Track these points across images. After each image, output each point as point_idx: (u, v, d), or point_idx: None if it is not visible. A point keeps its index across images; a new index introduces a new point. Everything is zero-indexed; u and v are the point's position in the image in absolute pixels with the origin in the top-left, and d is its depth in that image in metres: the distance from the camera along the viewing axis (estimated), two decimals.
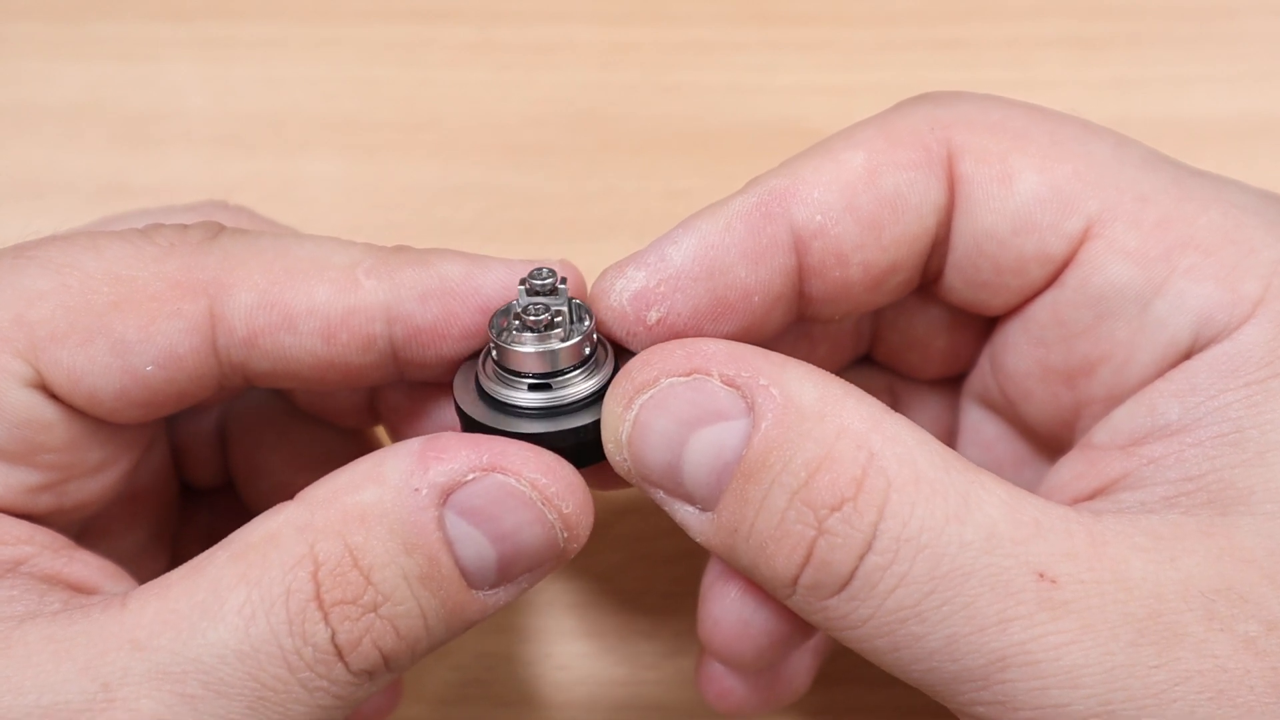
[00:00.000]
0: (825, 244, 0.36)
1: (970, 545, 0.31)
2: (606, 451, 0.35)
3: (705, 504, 0.34)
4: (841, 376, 0.44)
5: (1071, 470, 0.37)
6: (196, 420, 0.45)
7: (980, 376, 0.42)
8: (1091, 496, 0.36)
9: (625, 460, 0.34)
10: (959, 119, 0.37)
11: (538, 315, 0.35)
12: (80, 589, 0.35)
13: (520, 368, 0.35)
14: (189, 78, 0.61)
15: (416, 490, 0.33)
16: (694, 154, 0.59)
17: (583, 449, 0.35)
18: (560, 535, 0.34)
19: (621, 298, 0.35)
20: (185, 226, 0.38)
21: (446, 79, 0.61)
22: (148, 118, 0.60)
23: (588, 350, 0.36)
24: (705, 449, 0.33)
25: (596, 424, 0.35)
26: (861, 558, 0.32)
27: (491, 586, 0.34)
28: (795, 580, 0.33)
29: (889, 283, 0.37)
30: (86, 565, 0.36)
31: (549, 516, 0.34)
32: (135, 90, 0.61)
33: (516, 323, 0.36)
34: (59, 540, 0.36)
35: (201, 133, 0.60)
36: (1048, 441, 0.41)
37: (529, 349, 0.35)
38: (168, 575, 0.33)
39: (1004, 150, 0.37)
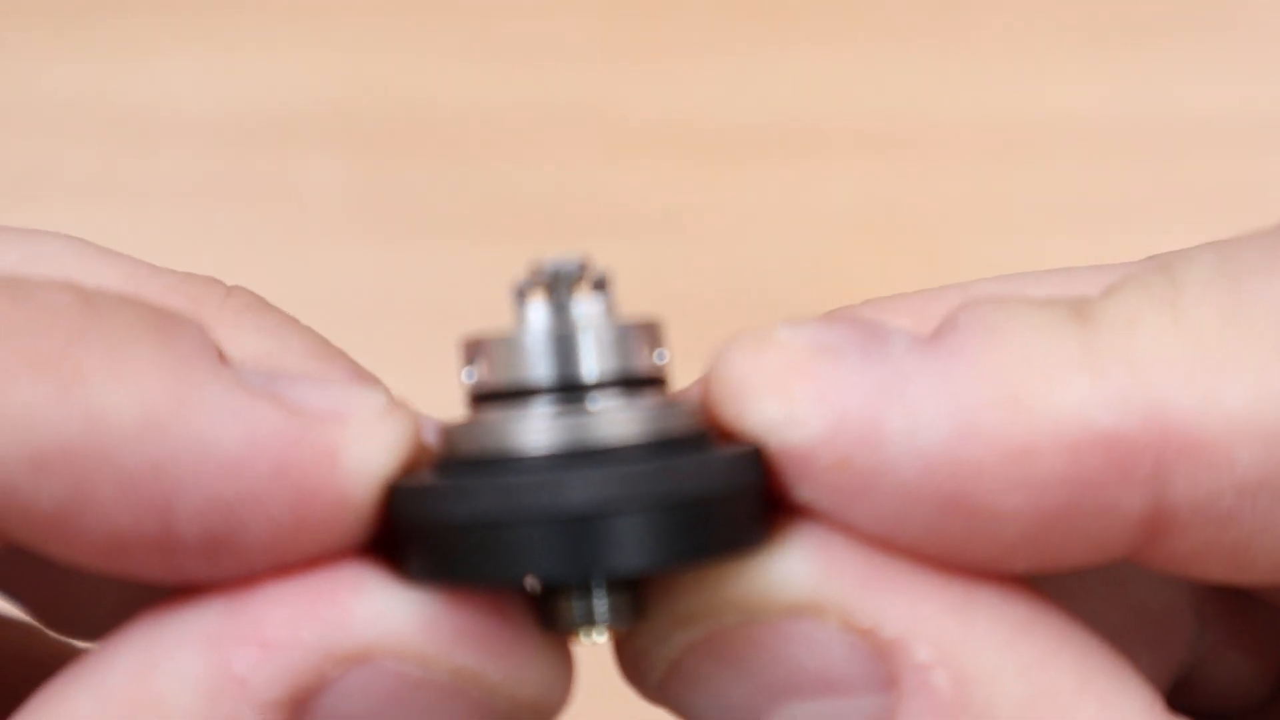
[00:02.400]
0: (1221, 538, 0.19)
1: None
2: (626, 678, 0.21)
3: None
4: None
5: None
6: None
7: None
8: None
9: (655, 701, 0.21)
10: None
11: (563, 272, 0.20)
12: None
13: (515, 373, 0.19)
14: (187, 76, 0.61)
15: None
16: (694, 154, 0.59)
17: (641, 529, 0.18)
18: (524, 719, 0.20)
19: (764, 434, 0.19)
20: None
21: (445, 77, 0.61)
22: (146, 117, 0.60)
23: (653, 358, 0.20)
24: None
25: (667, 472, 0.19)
26: None
27: None
28: None
29: None
30: None
31: (497, 707, 0.19)
32: (134, 89, 0.60)
33: (524, 299, 0.20)
34: None
35: (200, 132, 0.60)
36: None
37: (534, 319, 0.20)
38: None
39: None
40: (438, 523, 0.18)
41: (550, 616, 0.19)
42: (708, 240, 0.57)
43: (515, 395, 0.19)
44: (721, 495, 0.19)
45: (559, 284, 0.20)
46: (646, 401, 0.19)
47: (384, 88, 0.61)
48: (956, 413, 0.18)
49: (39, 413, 0.18)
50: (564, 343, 0.19)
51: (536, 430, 0.19)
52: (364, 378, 0.20)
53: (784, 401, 0.19)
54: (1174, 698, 0.24)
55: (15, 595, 0.27)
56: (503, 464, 0.19)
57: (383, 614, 0.18)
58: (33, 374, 0.18)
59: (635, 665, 0.20)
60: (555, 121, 0.60)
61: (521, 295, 0.20)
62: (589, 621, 0.19)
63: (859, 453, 0.18)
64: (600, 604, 0.19)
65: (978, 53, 0.61)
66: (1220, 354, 0.18)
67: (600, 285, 0.20)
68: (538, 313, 0.20)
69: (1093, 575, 0.24)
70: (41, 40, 0.62)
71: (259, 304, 0.21)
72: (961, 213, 0.57)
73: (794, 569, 0.19)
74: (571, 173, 0.59)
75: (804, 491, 0.19)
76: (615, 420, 0.19)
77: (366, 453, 0.18)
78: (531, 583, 0.18)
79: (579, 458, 0.18)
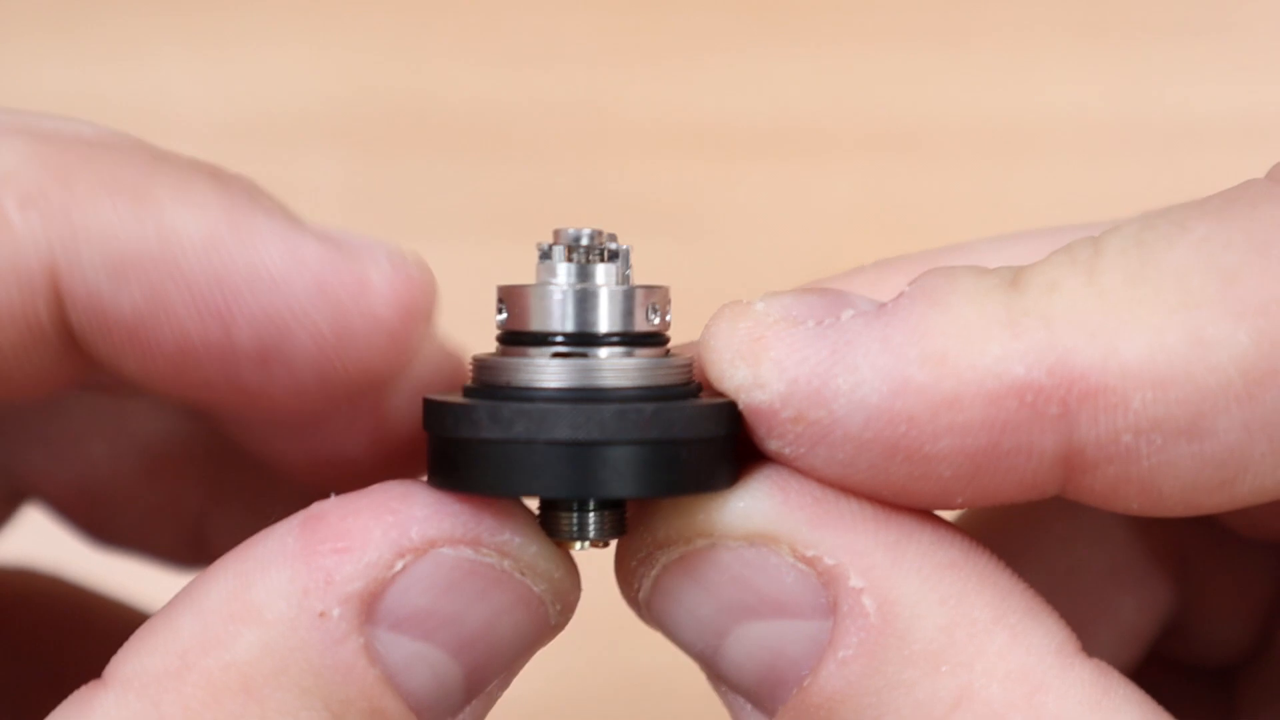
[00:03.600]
0: (1126, 472, 0.21)
1: None
2: (624, 596, 0.24)
3: (755, 705, 0.23)
4: None
5: None
6: None
7: None
8: None
9: (645, 617, 0.24)
10: None
11: (580, 240, 0.24)
12: None
13: (533, 321, 0.23)
14: (187, 76, 0.61)
15: (323, 615, 0.21)
16: (695, 154, 0.59)
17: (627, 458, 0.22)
18: (552, 611, 0.23)
19: (734, 396, 0.22)
20: None
21: (447, 77, 0.61)
22: (146, 117, 0.60)
23: (651, 319, 0.24)
24: (753, 649, 0.22)
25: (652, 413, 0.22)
26: None
27: (455, 713, 0.23)
28: None
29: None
30: None
31: (537, 590, 0.23)
32: (134, 89, 0.60)
33: (547, 259, 0.24)
34: None
35: (200, 132, 0.60)
36: None
37: (555, 282, 0.23)
38: None
39: None
40: (457, 437, 0.22)
41: (549, 525, 0.23)
42: (709, 239, 0.57)
43: (535, 339, 0.23)
44: (694, 439, 0.22)
45: (577, 249, 0.24)
46: (645, 355, 0.23)
47: (384, 88, 0.61)
48: (891, 371, 0.21)
49: (118, 228, 0.21)
50: (579, 299, 0.23)
51: (548, 370, 0.22)
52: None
53: (751, 367, 0.22)
54: (1163, 646, 0.27)
55: (47, 496, 0.31)
56: (518, 394, 0.22)
57: (436, 512, 0.22)
58: (112, 196, 0.21)
59: (628, 583, 0.23)
60: (557, 121, 0.60)
61: (547, 256, 0.24)
62: (581, 533, 0.23)
63: (811, 409, 0.21)
64: (589, 519, 0.23)
65: (978, 53, 0.61)
66: (1121, 312, 0.21)
67: (614, 255, 0.24)
68: (559, 271, 0.23)
69: (1081, 525, 0.27)
70: (41, 40, 0.62)
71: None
72: (963, 211, 0.58)
73: (755, 504, 0.22)
74: (573, 172, 0.59)
75: (772, 443, 0.22)
76: (615, 368, 0.22)
77: (393, 282, 0.22)
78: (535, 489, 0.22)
79: (580, 396, 0.22)
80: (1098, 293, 0.21)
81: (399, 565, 0.22)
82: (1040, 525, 0.28)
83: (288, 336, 0.22)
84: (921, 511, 0.22)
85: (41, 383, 0.23)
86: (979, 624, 0.21)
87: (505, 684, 0.24)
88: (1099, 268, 0.21)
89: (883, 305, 0.22)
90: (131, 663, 0.21)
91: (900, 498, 0.22)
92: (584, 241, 0.24)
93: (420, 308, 0.23)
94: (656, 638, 0.26)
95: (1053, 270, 0.22)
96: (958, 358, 0.21)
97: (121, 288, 0.21)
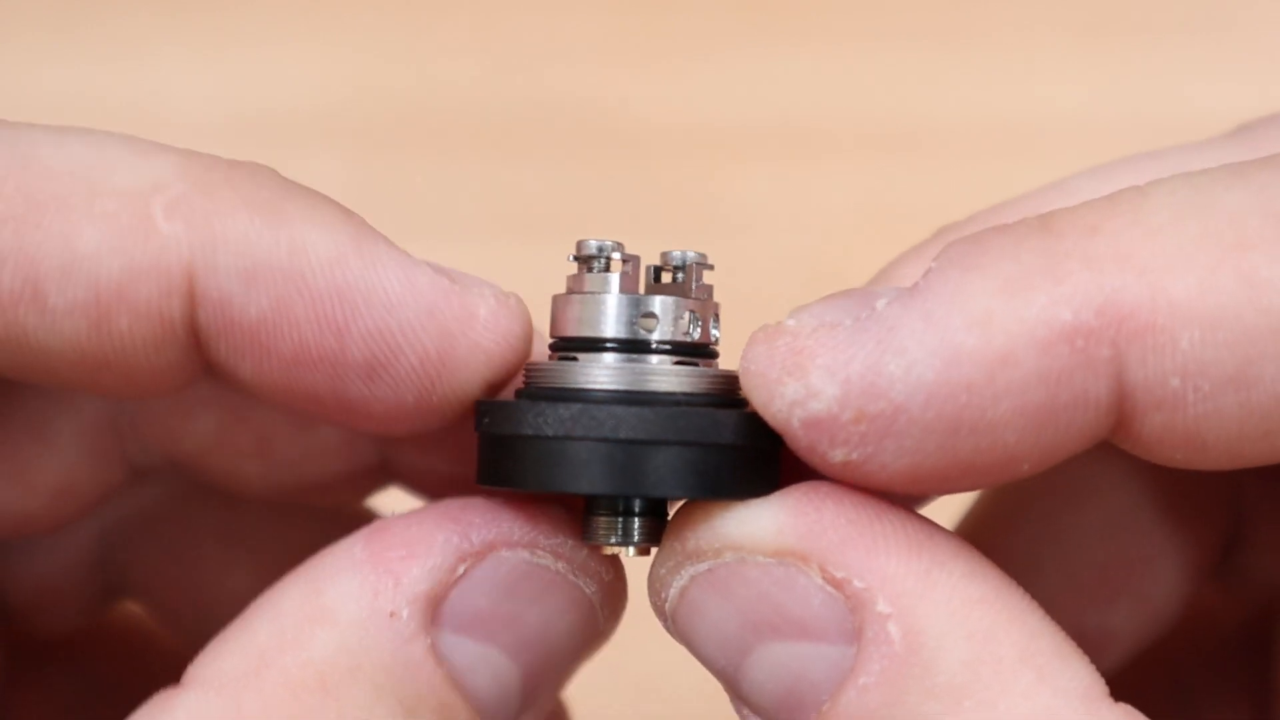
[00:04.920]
0: (1172, 421, 0.21)
1: None
2: (652, 607, 0.24)
3: None
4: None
5: None
6: (51, 551, 0.31)
7: None
8: None
9: (670, 629, 0.24)
10: None
11: (623, 254, 0.25)
12: None
13: (584, 326, 0.24)
14: (186, 76, 0.61)
15: (393, 615, 0.22)
16: (696, 154, 0.59)
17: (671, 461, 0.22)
18: (601, 615, 0.24)
19: (790, 414, 0.22)
20: None
21: (446, 77, 0.61)
22: (145, 117, 0.60)
23: (702, 330, 0.24)
24: (775, 670, 0.22)
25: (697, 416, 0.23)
26: None
27: None
28: None
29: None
30: None
31: (588, 592, 0.24)
32: (133, 89, 0.60)
33: (590, 267, 0.25)
34: None
35: (200, 132, 0.60)
36: None
37: (606, 292, 0.24)
38: None
39: None
40: (512, 434, 0.23)
41: (592, 531, 0.24)
42: (709, 239, 0.57)
43: (588, 344, 0.24)
44: (742, 445, 0.22)
45: (599, 259, 0.24)
46: (694, 365, 0.23)
47: (385, 87, 0.61)
48: (940, 344, 0.21)
49: (254, 238, 0.23)
50: (632, 307, 0.24)
51: (601, 374, 0.23)
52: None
53: (800, 379, 0.21)
54: (1217, 575, 0.27)
55: (152, 597, 0.32)
56: (572, 395, 0.23)
57: (494, 519, 0.23)
58: (250, 210, 0.23)
59: (657, 593, 0.23)
60: (557, 121, 0.60)
61: (589, 266, 0.24)
62: (625, 539, 0.24)
63: (870, 403, 0.21)
64: (632, 524, 0.23)
65: (978, 53, 0.61)
66: (1170, 250, 0.20)
67: (678, 267, 0.24)
68: (613, 282, 0.24)
69: (1137, 464, 0.26)
70: (41, 40, 0.62)
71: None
72: (963, 211, 0.58)
73: (786, 522, 0.22)
74: (573, 172, 0.59)
75: (838, 453, 0.21)
76: (664, 375, 0.23)
77: (498, 315, 0.23)
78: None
79: (633, 398, 0.23)
80: (1145, 232, 0.21)
81: (461, 569, 0.23)
82: (1097, 466, 0.28)
83: (396, 355, 0.23)
84: (957, 541, 0.22)
85: (164, 381, 0.24)
86: (1005, 662, 0.21)
87: (552, 698, 0.25)
88: (1146, 208, 0.21)
89: (914, 285, 0.21)
90: (210, 666, 0.22)
91: (970, 476, 0.22)
92: (612, 253, 0.24)
93: (518, 342, 0.24)
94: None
95: (1092, 214, 0.21)
96: (1004, 314, 0.20)
97: (251, 293, 0.23)
